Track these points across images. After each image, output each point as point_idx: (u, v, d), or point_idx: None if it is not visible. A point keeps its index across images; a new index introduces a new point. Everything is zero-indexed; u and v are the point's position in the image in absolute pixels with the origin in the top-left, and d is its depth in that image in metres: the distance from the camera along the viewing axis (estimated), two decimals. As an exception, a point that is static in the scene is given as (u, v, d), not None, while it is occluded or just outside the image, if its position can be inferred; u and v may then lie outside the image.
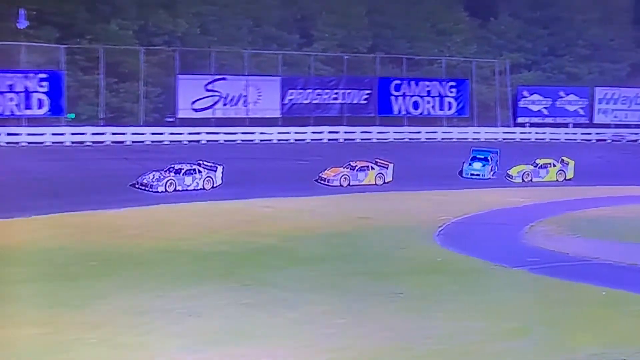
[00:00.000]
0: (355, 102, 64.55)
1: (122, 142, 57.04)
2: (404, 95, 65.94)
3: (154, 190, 45.90)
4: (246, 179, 50.30)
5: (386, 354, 25.42)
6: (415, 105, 66.23)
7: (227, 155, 54.22)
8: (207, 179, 47.48)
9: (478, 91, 68.41)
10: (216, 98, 60.88)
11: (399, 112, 65.71)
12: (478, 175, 54.55)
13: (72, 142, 55.77)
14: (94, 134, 56.60)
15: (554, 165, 54.93)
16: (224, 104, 61.08)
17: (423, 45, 69.35)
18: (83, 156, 52.19)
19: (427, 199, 48.51)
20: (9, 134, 54.64)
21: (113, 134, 57.09)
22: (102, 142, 56.47)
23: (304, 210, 45.00)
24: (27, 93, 56.39)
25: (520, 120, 69.39)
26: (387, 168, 51.57)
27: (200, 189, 46.87)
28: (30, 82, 56.42)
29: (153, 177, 46.64)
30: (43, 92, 56.68)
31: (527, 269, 34.14)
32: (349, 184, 50.07)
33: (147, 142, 58.03)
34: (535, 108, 69.84)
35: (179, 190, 46.25)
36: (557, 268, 34.47)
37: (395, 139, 63.72)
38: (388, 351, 25.63)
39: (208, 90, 60.73)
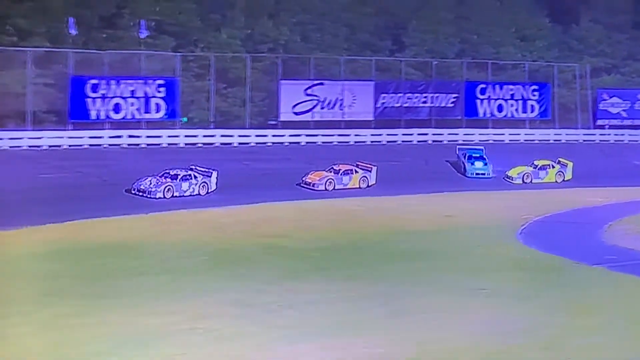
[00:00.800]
0: (443, 105, 64.68)
1: (229, 143, 57.64)
2: (489, 99, 65.96)
3: (152, 196, 44.39)
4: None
5: (470, 347, 25.72)
6: (500, 108, 66.24)
7: (324, 155, 54.89)
8: (202, 184, 45.84)
9: (559, 94, 68.17)
10: (315, 102, 61.16)
11: (484, 114, 65.74)
12: (483, 174, 54.14)
13: (186, 144, 56.61)
14: (204, 136, 57.20)
15: (553, 167, 53.83)
16: (322, 108, 61.32)
17: (507, 51, 69.20)
18: (195, 157, 52.74)
19: (510, 198, 48.63)
20: (130, 136, 55.49)
21: (222, 136, 57.57)
22: (212, 143, 57.12)
23: (393, 208, 45.34)
24: (147, 98, 56.91)
25: (600, 122, 68.84)
26: (370, 171, 49.96)
27: (196, 194, 45.48)
28: (149, 88, 56.95)
29: (150, 183, 44.96)
30: (160, 97, 57.18)
31: (606, 267, 34.27)
32: (334, 188, 48.48)
33: (252, 144, 58.49)
34: (614, 110, 69.29)
35: (176, 196, 44.78)
36: (634, 266, 34.43)
37: (480, 140, 63.75)
38: (472, 344, 25.93)
39: (307, 95, 61.08)
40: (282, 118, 60.17)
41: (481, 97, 65.73)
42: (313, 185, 48.22)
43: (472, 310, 29.22)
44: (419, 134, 62.56)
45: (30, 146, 52.98)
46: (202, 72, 59.44)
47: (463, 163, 55.00)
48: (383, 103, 62.94)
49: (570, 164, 53.88)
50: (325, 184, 48.29)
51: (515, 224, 41.58)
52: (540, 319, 28.12)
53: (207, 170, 46.35)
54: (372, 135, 61.15)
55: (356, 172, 49.51)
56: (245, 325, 28.17)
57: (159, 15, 58.80)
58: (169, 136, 56.44)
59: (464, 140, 62.87)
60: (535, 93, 67.34)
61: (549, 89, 67.75)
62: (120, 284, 32.20)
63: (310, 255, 36.48)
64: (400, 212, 44.26)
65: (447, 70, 66.56)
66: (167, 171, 45.55)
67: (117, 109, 55.80)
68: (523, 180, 52.47)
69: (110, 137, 54.90)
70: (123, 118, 55.94)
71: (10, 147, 52.48)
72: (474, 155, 55.37)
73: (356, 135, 60.81)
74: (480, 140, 63.55)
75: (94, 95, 55.09)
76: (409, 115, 63.43)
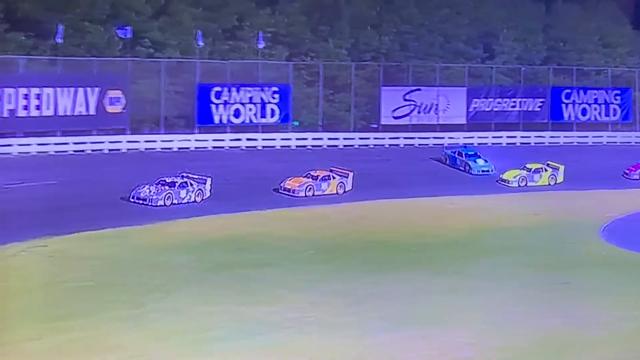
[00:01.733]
0: (530, 109, 64.61)
1: (335, 145, 57.89)
2: (573, 103, 65.77)
3: (153, 204, 42.11)
4: (433, 179, 50.88)
5: (554, 339, 26.25)
6: (584, 112, 66.05)
7: (421, 156, 55.28)
8: (198, 191, 43.40)
9: (640, 98, 67.71)
10: (412, 107, 61.23)
11: (569, 118, 65.56)
12: (487, 171, 53.03)
13: (297, 146, 56.99)
14: (313, 138, 57.72)
15: (546, 170, 51.12)
16: (419, 112, 61.31)
17: (591, 57, 68.65)
18: (304, 158, 53.46)
19: (593, 197, 48.15)
20: (248, 139, 56.13)
21: (329, 138, 58.07)
22: (319, 146, 57.41)
23: (485, 207, 45.35)
24: (263, 104, 57.20)
25: (678, 124, 68.05)
26: (347, 177, 46.93)
27: (193, 201, 43.05)
28: (265, 94, 57.22)
29: (150, 192, 42.55)
30: (275, 103, 57.42)
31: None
32: (313, 194, 45.52)
33: (356, 146, 58.64)
34: (692, 113, 68.53)
35: (175, 204, 42.64)
36: None
37: (564, 142, 63.61)
38: (556, 336, 26.46)
39: (406, 100, 61.14)
40: (383, 122, 60.26)
41: (566, 101, 65.48)
42: (293, 192, 45.38)
43: (555, 304, 29.60)
44: (507, 137, 62.47)
45: (162, 148, 53.78)
46: (312, 79, 59.71)
47: (465, 162, 53.77)
48: (475, 107, 62.98)
49: (561, 167, 51.30)
50: (306, 190, 45.54)
51: (599, 222, 41.59)
52: (623, 313, 28.39)
53: (200, 177, 44.05)
54: (464, 137, 60.93)
55: (334, 177, 46.70)
56: (348, 315, 29.07)
57: (275, 27, 59.05)
58: (282, 139, 56.78)
59: (550, 143, 62.91)
60: (618, 97, 66.95)
61: (630, 93, 67.32)
62: (239, 274, 33.15)
63: (408, 250, 37.06)
64: (492, 211, 44.41)
65: (534, 76, 66.33)
66: (164, 179, 43.16)
67: (237, 114, 56.49)
68: (519, 184, 50.00)
69: (231, 140, 55.75)
70: (242, 122, 56.55)
71: (146, 149, 53.32)
72: (469, 153, 54.43)
73: (450, 137, 60.57)
74: (564, 143, 63.49)
75: (217, 101, 55.87)
76: (498, 118, 63.35)
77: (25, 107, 50.06)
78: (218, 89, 55.83)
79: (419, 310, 29.50)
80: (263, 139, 56.41)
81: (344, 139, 58.53)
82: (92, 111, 51.88)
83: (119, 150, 52.19)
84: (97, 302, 29.92)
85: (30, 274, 32.84)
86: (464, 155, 54.36)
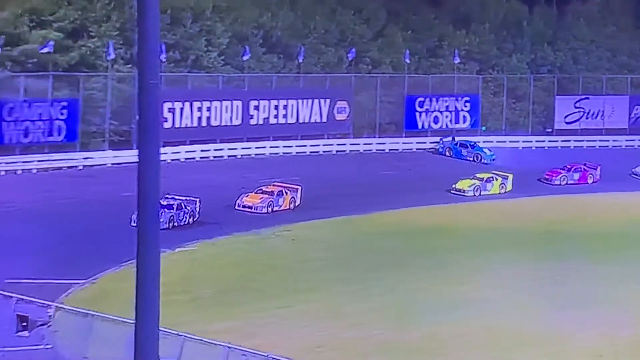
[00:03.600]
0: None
1: (516, 147, 56.93)
2: None
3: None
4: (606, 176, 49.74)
5: None
6: None
7: (589, 158, 52.94)
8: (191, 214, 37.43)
9: None
10: (581, 113, 60.52)
11: None
12: (494, 159, 51.46)
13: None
14: (497, 141, 56.81)
15: (496, 179, 45.66)
16: (587, 118, 60.47)
17: None
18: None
19: None
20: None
21: (510, 141, 57.33)
22: (503, 147, 55.87)
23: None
24: (457, 112, 57.05)
25: None
26: (296, 192, 41.52)
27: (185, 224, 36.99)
28: (458, 103, 57.16)
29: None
30: (466, 111, 57.35)
31: None
32: (272, 210, 39.81)
33: (533, 148, 57.53)
34: None
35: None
36: None
37: None
38: None
39: (576, 108, 60.48)
40: (556, 126, 59.61)
41: None
42: (253, 208, 39.05)
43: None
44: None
45: (377, 150, 54.10)
46: (497, 90, 59.56)
47: (475, 154, 52.19)
48: (636, 114, 61.35)
49: (510, 176, 46.05)
50: (267, 206, 39.80)
51: None
52: None
53: (187, 199, 37.58)
54: (626, 140, 59.81)
55: (286, 193, 41.12)
56: (525, 296, 30.54)
57: (468, 46, 59.27)
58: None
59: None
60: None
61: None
62: (437, 257, 34.68)
63: (576, 239, 37.54)
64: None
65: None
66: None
67: (436, 120, 56.78)
68: (474, 193, 44.69)
69: (431, 142, 55.36)
70: (440, 127, 56.56)
71: (364, 150, 53.92)
72: (470, 144, 52.90)
73: (614, 140, 59.62)
74: None
75: (420, 110, 56.31)
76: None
77: (275, 116, 51.66)
78: (421, 99, 56.28)
79: (579, 293, 30.37)
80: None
81: (523, 141, 57.90)
82: (324, 119, 53.23)
83: (343, 151, 53.17)
84: (329, 278, 32.29)
85: (278, 253, 35.33)
86: (469, 147, 53.11)
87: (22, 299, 23.30)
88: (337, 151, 53.05)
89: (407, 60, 55.95)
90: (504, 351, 26.43)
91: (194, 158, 48.47)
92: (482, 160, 52.14)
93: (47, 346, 22.61)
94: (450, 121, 57.26)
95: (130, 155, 42.05)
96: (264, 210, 39.79)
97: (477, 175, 46.22)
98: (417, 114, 56.60)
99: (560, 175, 49.20)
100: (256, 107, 51.11)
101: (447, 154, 53.54)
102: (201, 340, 22.32)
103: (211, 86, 51.12)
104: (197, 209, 37.87)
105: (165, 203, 35.52)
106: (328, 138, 53.35)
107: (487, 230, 39.03)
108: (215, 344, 22.10)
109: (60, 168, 44.47)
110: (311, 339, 26.90)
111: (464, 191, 44.67)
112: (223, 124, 50.10)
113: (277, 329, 27.37)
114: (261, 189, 40.80)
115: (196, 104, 49.28)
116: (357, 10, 57.04)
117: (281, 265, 34.06)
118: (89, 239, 33.99)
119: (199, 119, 49.37)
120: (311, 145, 52.29)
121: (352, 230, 38.72)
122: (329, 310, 29.36)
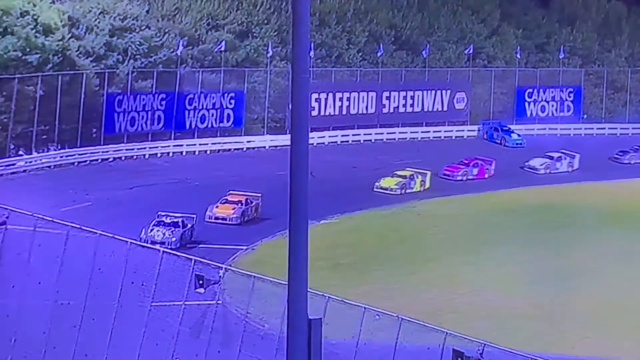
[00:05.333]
0: None
1: (614, 134, 54.93)
2: None
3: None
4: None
5: None
6: None
7: None
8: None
9: None
10: None
11: None
12: (520, 144, 48.70)
13: (584, 134, 54.29)
14: (598, 128, 55.42)
15: (418, 177, 40.06)
16: None
17: None
18: (590, 142, 51.72)
19: None
20: (550, 129, 53.95)
21: (609, 128, 55.43)
22: (603, 134, 54.88)
23: None
24: (562, 102, 55.46)
25: None
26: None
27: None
28: (563, 94, 55.48)
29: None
30: (570, 101, 55.74)
31: None
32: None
33: (630, 134, 54.81)
34: None
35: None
36: None
37: None
38: None
39: None
40: None
41: None
42: (226, 220, 33.23)
43: None
44: None
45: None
46: (597, 82, 57.97)
47: (502, 137, 49.74)
48: None
49: (429, 174, 40.57)
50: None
51: None
52: None
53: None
54: None
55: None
56: (623, 272, 29.97)
57: (572, 42, 57.59)
58: (574, 128, 54.99)
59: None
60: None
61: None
62: (542, 233, 33.94)
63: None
64: None
65: None
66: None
67: (542, 109, 55.44)
68: (400, 190, 39.15)
69: (538, 129, 54.01)
70: (546, 116, 55.34)
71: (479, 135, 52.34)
72: (504, 128, 50.43)
73: None
74: None
75: (529, 99, 55.06)
76: None
77: (404, 105, 51.44)
78: (530, 90, 55.10)
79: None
80: (561, 129, 54.68)
81: (621, 128, 56.25)
82: (445, 108, 52.55)
83: (462, 137, 52.22)
84: (449, 249, 32.47)
85: (404, 226, 35.63)
86: (500, 130, 51.01)
87: (200, 261, 23.79)
88: (456, 137, 52.51)
89: (518, 56, 55.09)
90: (604, 319, 26.25)
91: (336, 142, 48.86)
92: (505, 144, 50.18)
93: (218, 302, 23.26)
94: (556, 110, 56.00)
95: (284, 139, 42.85)
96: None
97: (397, 172, 40.25)
98: (526, 103, 55.48)
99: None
100: (388, 98, 51.36)
101: (484, 137, 51.59)
102: (342, 301, 22.77)
103: (350, 79, 51.69)
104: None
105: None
106: (448, 125, 52.84)
107: (586, 208, 38.08)
108: (354, 304, 22.51)
109: (229, 150, 45.75)
110: (433, 303, 27.07)
111: (391, 189, 39.09)
112: (360, 112, 50.54)
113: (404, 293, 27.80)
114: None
115: (338, 95, 49.86)
116: (475, 11, 56.61)
117: (409, 237, 34.34)
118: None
119: (340, 107, 49.85)
120: (434, 131, 52.10)
121: (471, 207, 38.57)
122: (446, 278, 29.54)
